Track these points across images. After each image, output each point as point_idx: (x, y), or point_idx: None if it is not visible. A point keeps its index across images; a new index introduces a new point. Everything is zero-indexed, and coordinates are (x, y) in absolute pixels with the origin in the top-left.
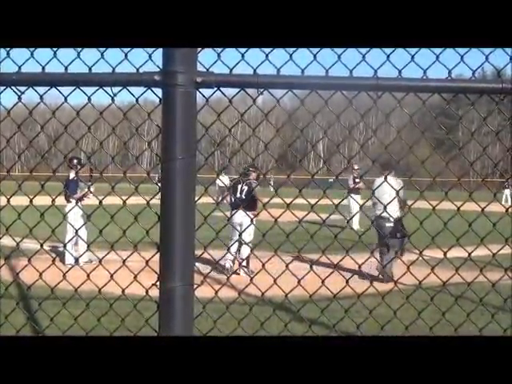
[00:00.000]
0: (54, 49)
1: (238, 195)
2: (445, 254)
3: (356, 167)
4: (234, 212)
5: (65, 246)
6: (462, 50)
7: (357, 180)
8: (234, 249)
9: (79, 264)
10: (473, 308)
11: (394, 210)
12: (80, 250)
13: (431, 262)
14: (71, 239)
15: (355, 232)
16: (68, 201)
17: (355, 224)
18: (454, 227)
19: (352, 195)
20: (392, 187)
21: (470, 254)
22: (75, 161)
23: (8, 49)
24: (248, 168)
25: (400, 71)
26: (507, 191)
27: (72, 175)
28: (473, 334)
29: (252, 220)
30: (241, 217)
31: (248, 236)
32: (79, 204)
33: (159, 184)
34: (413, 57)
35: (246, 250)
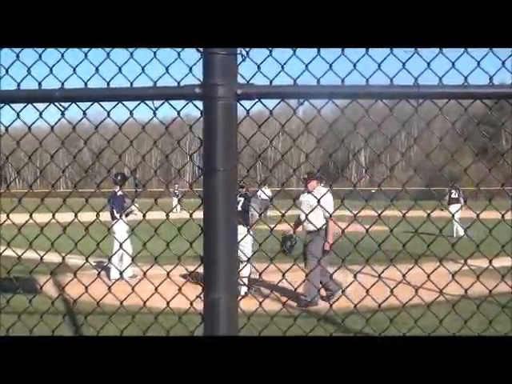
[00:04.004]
0: (96, 64)
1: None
2: (490, 261)
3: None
4: None
5: (109, 261)
6: (503, 56)
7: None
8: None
9: (124, 278)
10: None
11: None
12: (125, 265)
13: (477, 272)
14: (115, 253)
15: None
16: (113, 218)
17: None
18: (499, 236)
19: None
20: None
21: None
22: (119, 177)
23: (51, 65)
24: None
25: (441, 78)
26: None
27: (118, 191)
28: None
29: (249, 232)
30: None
31: (247, 252)
32: (124, 219)
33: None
34: (453, 63)
35: (246, 268)
